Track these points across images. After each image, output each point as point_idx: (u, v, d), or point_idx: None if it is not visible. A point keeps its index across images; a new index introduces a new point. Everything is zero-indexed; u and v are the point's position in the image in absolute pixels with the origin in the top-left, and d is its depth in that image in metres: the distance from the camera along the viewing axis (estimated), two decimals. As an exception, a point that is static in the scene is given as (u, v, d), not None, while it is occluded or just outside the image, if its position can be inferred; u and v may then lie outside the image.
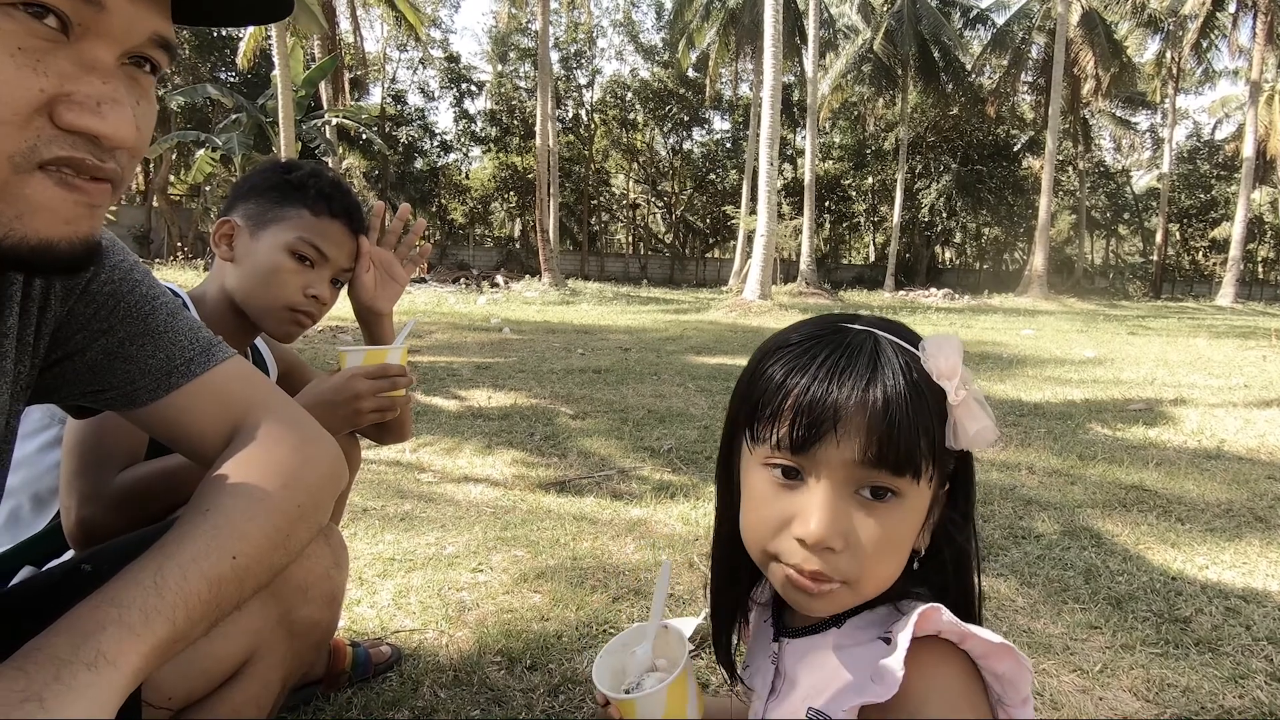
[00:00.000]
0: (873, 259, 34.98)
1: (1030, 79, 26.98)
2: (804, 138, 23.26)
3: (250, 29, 16.31)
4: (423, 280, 16.90)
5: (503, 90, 30.25)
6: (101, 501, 0.89)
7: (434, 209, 30.20)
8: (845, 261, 35.76)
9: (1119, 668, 1.44)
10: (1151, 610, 1.69)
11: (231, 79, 23.32)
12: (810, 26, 19.12)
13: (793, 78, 26.72)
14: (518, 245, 30.87)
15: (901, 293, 22.58)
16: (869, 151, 31.11)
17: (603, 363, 5.67)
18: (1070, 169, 30.26)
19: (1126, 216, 36.12)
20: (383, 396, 1.06)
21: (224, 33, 23.58)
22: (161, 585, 0.53)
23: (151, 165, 21.83)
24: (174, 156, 20.87)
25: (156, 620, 0.51)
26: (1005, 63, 26.00)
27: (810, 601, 0.59)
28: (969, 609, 0.64)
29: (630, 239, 36.71)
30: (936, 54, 25.28)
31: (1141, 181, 37.72)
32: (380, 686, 1.33)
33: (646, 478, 2.75)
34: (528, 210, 29.70)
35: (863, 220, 33.65)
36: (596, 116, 31.75)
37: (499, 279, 19.26)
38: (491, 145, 31.24)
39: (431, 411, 3.81)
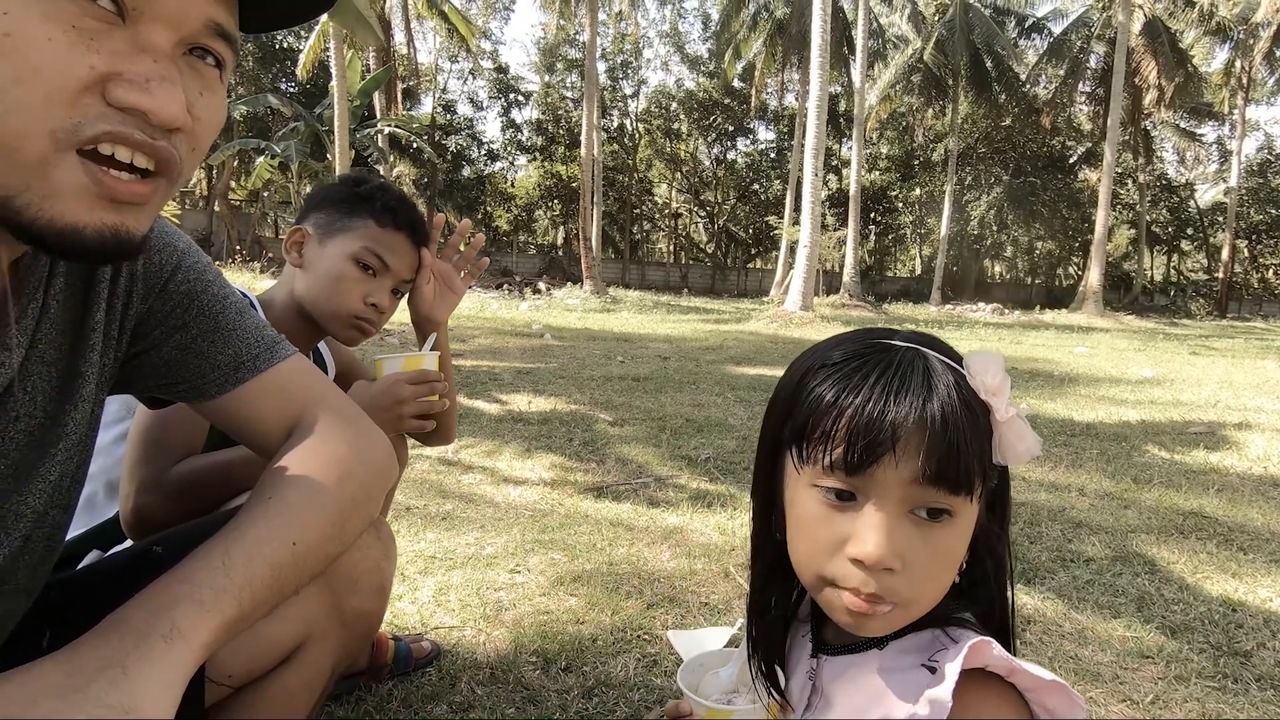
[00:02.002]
0: (919, 272, 34.30)
1: (1088, 89, 26.14)
2: (850, 148, 23.05)
3: (310, 40, 16.94)
4: (469, 286, 17.18)
5: (549, 100, 30.74)
6: (159, 490, 0.94)
7: (480, 216, 30.77)
8: (890, 274, 35.15)
9: (1172, 700, 1.39)
10: (1209, 642, 1.62)
11: (291, 89, 24.23)
12: (859, 37, 18.95)
13: (839, 88, 26.49)
14: (560, 253, 31.22)
15: (948, 307, 22.07)
16: (917, 162, 30.59)
17: (642, 370, 5.69)
18: (1130, 182, 29.21)
19: (1190, 232, 34.59)
20: (422, 401, 1.10)
21: (285, 44, 24.53)
22: (230, 566, 0.56)
23: (214, 171, 22.80)
24: (235, 163, 21.73)
25: (225, 599, 0.54)
26: (1062, 72, 25.29)
27: (865, 623, 0.58)
28: (1004, 620, 0.63)
29: (672, 248, 36.79)
30: (989, 64, 24.75)
31: (1207, 195, 36.09)
32: (419, 681, 1.37)
33: (683, 486, 2.75)
34: (571, 218, 30.05)
35: (909, 232, 33.06)
36: (641, 126, 31.99)
37: (541, 285, 19.50)
38: (537, 154, 31.74)
39: (473, 414, 3.88)
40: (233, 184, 22.45)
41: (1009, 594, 0.64)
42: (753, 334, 10.33)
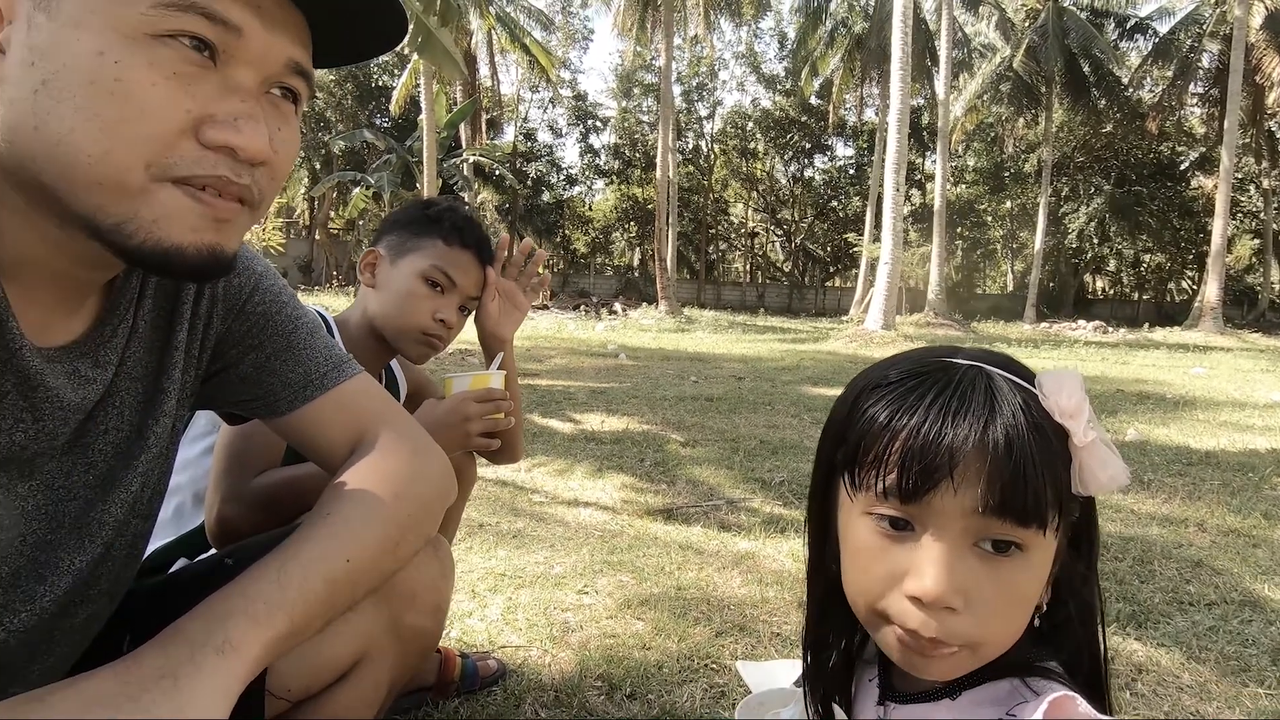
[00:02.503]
0: (1010, 288, 32.60)
1: (1200, 90, 24.29)
2: (934, 161, 22.25)
3: (403, 78, 17.99)
4: (545, 307, 17.66)
5: (626, 125, 31.34)
6: (240, 501, 0.98)
7: (558, 239, 31.60)
8: (980, 290, 33.55)
9: (1319, 771, 1.21)
10: (1364, 705, 1.42)
11: (385, 124, 25.73)
12: (942, 48, 18.38)
13: (922, 100, 25.73)
14: (636, 273, 31.59)
15: (1044, 325, 20.80)
16: (1007, 174, 29.19)
17: (715, 391, 5.63)
18: (1252, 187, 26.81)
19: (1326, 240, 31.36)
20: (488, 419, 1.11)
21: (380, 83, 26.14)
22: (284, 582, 0.57)
23: (315, 203, 24.46)
24: (334, 194, 23.26)
25: (278, 613, 0.55)
26: (1170, 74, 23.60)
27: (926, 664, 0.53)
28: (1094, 669, 0.57)
29: (748, 267, 36.53)
30: (1086, 68, 23.43)
31: (1345, 200, 32.64)
32: (485, 699, 1.36)
33: (756, 510, 2.67)
34: (646, 239, 30.36)
35: (999, 247, 31.55)
36: (716, 147, 32.09)
37: (617, 306, 19.74)
38: (614, 177, 32.36)
39: (546, 433, 3.93)
40: (332, 214, 24.00)
41: (1100, 641, 0.57)
42: (831, 354, 10.06)
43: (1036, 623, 0.55)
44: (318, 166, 25.23)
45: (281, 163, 0.56)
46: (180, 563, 1.01)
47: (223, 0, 0.50)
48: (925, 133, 27.31)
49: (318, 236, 24.90)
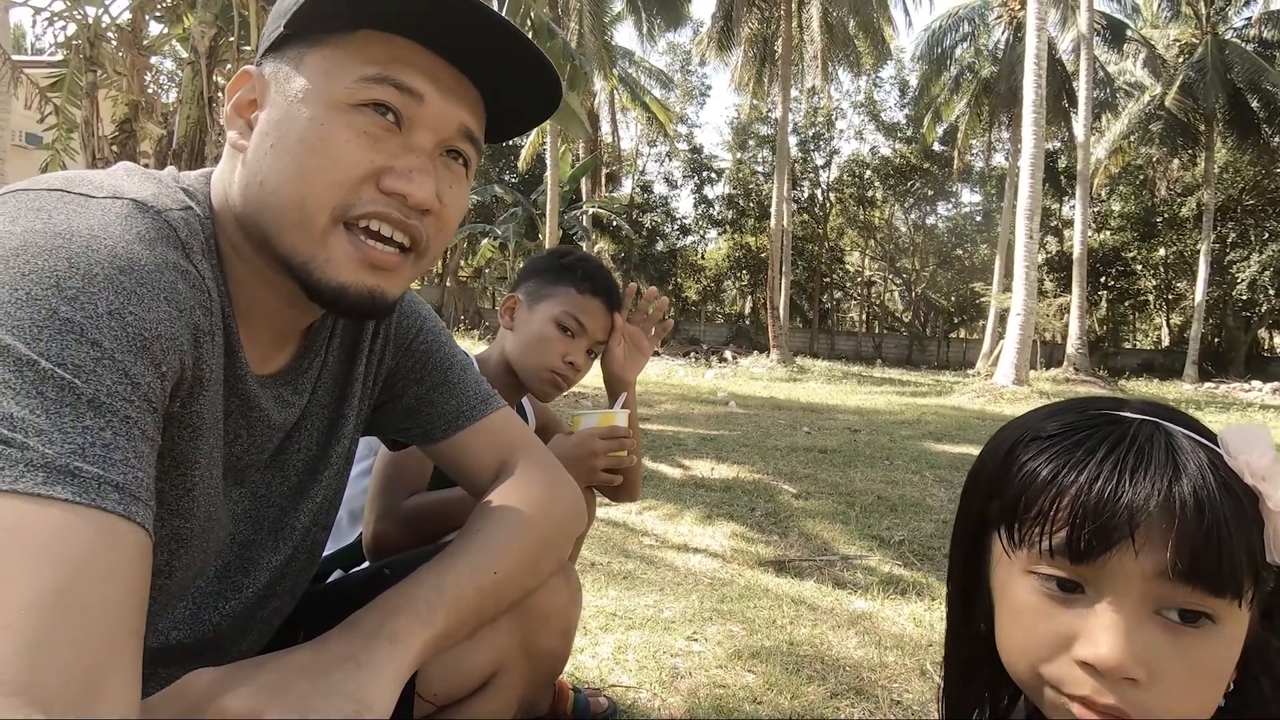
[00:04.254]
0: (1166, 343, 29.45)
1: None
2: (1072, 207, 20.83)
3: (531, 137, 19.30)
4: (656, 354, 17.92)
5: (740, 175, 31.71)
6: (393, 519, 1.09)
7: (670, 287, 32.12)
8: (1128, 345, 30.56)
9: None
10: None
11: (512, 179, 27.56)
12: (1081, 89, 17.34)
13: (1058, 143, 24.28)
14: (747, 321, 31.44)
15: (1209, 384, 18.58)
16: (1159, 219, 26.71)
17: (829, 443, 5.46)
18: None
19: None
20: (612, 455, 1.17)
21: (510, 142, 28.18)
22: (442, 586, 0.65)
23: (448, 253, 26.43)
24: (465, 245, 25.04)
25: (436, 614, 0.62)
26: (1359, 106, 20.96)
27: None
28: None
29: (864, 316, 35.37)
30: (1255, 103, 21.24)
31: None
32: (596, 735, 1.39)
33: (873, 569, 2.56)
34: (759, 288, 30.23)
35: (1152, 298, 28.70)
36: (833, 195, 31.70)
37: (727, 354, 19.68)
38: (727, 227, 32.66)
39: (656, 477, 3.97)
40: (462, 263, 25.80)
41: None
42: (955, 409, 9.48)
43: (1223, 701, 0.51)
44: (451, 219, 27.32)
45: (449, 216, 0.65)
46: (337, 574, 1.13)
47: (408, 72, 0.60)
48: (1063, 176, 25.64)
49: (448, 284, 26.83)
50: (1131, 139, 22.70)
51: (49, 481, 0.42)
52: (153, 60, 7.74)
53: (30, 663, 0.38)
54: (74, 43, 7.20)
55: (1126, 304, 29.46)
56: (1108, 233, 27.83)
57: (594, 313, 1.30)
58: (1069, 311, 17.89)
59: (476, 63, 0.63)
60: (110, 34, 7.14)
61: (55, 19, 7.20)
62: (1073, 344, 16.87)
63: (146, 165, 0.66)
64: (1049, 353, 20.31)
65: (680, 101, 32.12)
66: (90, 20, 7.08)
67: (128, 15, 7.07)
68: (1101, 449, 0.50)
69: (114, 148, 7.08)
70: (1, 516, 0.41)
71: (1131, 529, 0.47)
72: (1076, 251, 17.66)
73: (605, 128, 25.30)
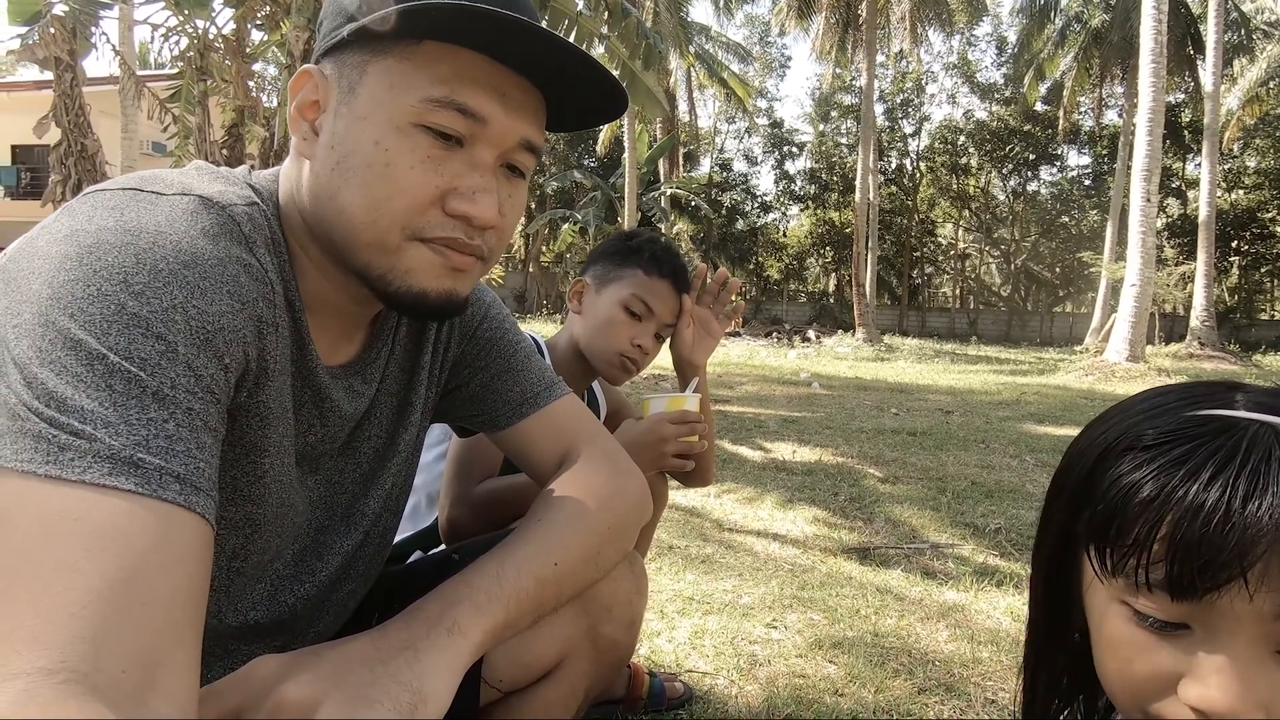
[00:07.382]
0: (1312, 313, 26.42)
1: None
2: (1198, 165, 18.90)
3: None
4: (736, 334, 17.71)
5: (823, 149, 30.64)
6: (466, 504, 1.10)
7: (751, 266, 31.58)
8: (1264, 316, 27.61)
9: None
10: None
11: (592, 164, 27.77)
12: (1210, 32, 15.63)
13: (1182, 95, 22.04)
14: (831, 300, 30.49)
15: (1364, 359, 16.51)
16: (1305, 175, 23.87)
17: (919, 425, 5.22)
18: None
19: None
20: (683, 441, 1.14)
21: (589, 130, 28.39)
22: (502, 576, 0.64)
23: (530, 239, 27.00)
24: (546, 231, 25.51)
25: (496, 604, 0.62)
26: None
27: None
28: None
29: (957, 291, 33.58)
30: None
31: None
32: (671, 721, 1.38)
33: (966, 558, 2.42)
34: (843, 264, 29.25)
35: (1294, 263, 25.75)
36: (923, 164, 30.13)
37: (810, 334, 19.19)
38: (809, 202, 31.70)
39: (736, 460, 3.91)
40: (543, 248, 26.31)
41: None
42: (1060, 388, 8.87)
43: None
44: (532, 206, 27.90)
45: (508, 225, 0.66)
46: (415, 555, 1.16)
47: (476, 96, 0.60)
48: (1186, 131, 23.32)
49: (531, 269, 27.44)
50: (1271, 85, 20.22)
51: (114, 473, 0.44)
52: (255, 67, 8.26)
53: (92, 651, 0.40)
54: (187, 55, 7.77)
55: (1263, 270, 26.55)
56: (1241, 192, 25.12)
57: (662, 295, 1.27)
58: (1192, 280, 16.32)
59: (542, 73, 0.63)
60: (218, 44, 7.65)
61: (170, 34, 7.79)
62: (1197, 316, 15.39)
63: (253, 166, 0.70)
64: (1169, 326, 18.65)
65: (759, 75, 31.29)
66: (200, 32, 7.61)
67: (232, 25, 7.55)
68: (1209, 467, 0.43)
69: (224, 151, 7.62)
70: (68, 506, 0.42)
71: (1244, 567, 0.40)
72: (1203, 214, 16.05)
73: (682, 106, 25.02)
